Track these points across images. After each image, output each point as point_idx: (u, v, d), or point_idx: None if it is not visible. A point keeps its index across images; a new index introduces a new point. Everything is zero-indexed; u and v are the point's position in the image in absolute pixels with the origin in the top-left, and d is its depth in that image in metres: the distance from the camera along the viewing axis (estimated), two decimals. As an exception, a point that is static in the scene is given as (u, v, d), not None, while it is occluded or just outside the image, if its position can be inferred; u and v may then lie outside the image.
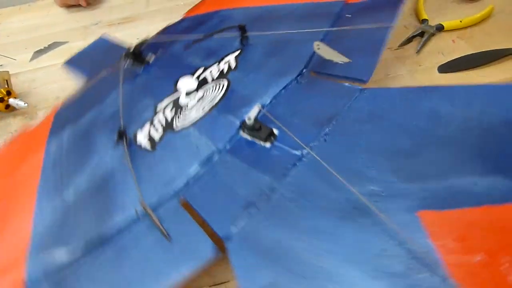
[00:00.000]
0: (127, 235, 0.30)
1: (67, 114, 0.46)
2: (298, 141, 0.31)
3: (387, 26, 0.37)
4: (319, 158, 0.29)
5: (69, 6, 0.71)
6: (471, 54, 0.43)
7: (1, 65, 0.60)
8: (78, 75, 0.54)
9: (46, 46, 0.62)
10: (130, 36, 0.60)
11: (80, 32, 0.64)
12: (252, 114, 0.34)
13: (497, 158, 0.25)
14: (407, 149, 0.28)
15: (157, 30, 0.57)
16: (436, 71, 0.43)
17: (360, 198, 0.25)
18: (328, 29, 0.40)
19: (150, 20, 0.64)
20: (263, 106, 0.35)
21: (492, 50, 0.43)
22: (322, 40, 0.39)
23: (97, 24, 0.66)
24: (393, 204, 0.25)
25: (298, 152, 0.31)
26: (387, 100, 0.32)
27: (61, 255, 0.31)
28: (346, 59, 0.35)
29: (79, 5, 0.70)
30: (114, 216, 0.32)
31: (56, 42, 0.63)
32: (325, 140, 0.31)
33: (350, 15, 0.42)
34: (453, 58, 0.43)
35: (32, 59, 0.60)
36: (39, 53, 0.61)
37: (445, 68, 0.43)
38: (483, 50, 0.43)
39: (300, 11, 0.46)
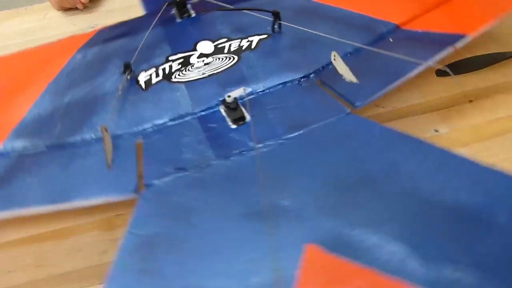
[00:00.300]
0: (84, 148, 0.35)
1: (103, 36, 0.51)
2: (252, 133, 0.32)
3: (416, 63, 0.34)
4: (258, 156, 0.30)
5: (66, 10, 0.71)
6: (469, 57, 0.43)
7: (-3, 69, 0.59)
8: (142, 10, 0.58)
9: (43, 49, 0.62)
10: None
11: (76, 35, 0.64)
12: (234, 93, 0.36)
13: (420, 234, 0.23)
14: (344, 184, 0.27)
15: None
16: (434, 74, 0.42)
17: (266, 206, 0.26)
18: (357, 44, 0.39)
19: (147, 23, 0.64)
20: (252, 92, 0.37)
21: (491, 53, 0.42)
22: (350, 53, 0.39)
23: (93, 27, 0.65)
24: (291, 226, 0.25)
25: (252, 144, 0.31)
26: (361, 133, 0.31)
27: (32, 142, 0.36)
28: (354, 79, 0.35)
29: (76, 9, 0.70)
30: (84, 130, 0.36)
31: (53, 45, 0.62)
32: (282, 143, 0.31)
33: (392, 40, 0.41)
34: (451, 62, 0.43)
35: (28, 62, 0.60)
36: (35, 56, 0.61)
37: (442, 72, 0.42)
38: (482, 54, 0.43)
39: (348, 19, 0.45)
